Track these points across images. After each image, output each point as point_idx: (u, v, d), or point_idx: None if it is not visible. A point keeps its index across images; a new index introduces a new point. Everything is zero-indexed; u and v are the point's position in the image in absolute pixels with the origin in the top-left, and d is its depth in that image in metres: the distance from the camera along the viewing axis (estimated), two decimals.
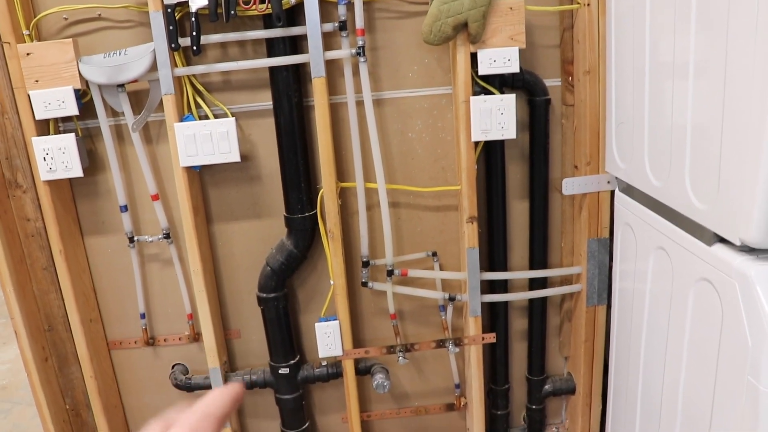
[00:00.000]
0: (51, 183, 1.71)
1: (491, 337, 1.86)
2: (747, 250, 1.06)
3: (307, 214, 1.78)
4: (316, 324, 1.83)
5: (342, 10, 1.60)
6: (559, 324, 2.03)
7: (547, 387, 2.04)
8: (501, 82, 1.71)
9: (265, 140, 1.79)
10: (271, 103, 1.72)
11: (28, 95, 1.62)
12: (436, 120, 1.79)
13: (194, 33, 1.55)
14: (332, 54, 1.64)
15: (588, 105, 1.69)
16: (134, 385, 2.02)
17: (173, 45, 1.59)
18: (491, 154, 1.79)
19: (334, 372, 1.93)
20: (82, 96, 1.68)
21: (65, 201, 1.79)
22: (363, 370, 1.95)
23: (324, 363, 1.94)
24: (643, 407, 1.51)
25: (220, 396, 0.46)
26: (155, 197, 1.78)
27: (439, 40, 1.58)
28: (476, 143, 1.72)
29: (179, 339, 1.95)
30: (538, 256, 1.90)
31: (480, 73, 1.63)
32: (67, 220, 1.79)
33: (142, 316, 1.92)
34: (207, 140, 1.65)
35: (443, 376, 2.02)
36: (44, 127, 1.70)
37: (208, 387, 1.88)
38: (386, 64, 1.74)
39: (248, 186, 1.83)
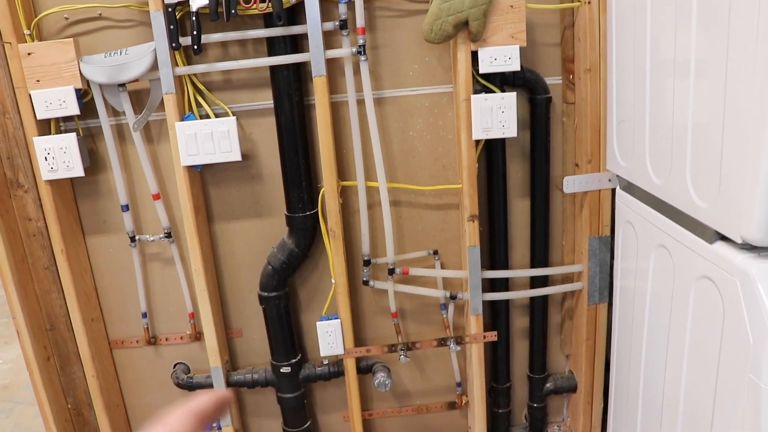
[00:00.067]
0: (52, 182, 1.71)
1: (492, 336, 1.87)
2: (748, 247, 1.06)
3: (308, 212, 1.78)
4: (318, 323, 1.83)
5: (342, 8, 1.60)
6: (560, 322, 2.03)
7: (548, 385, 2.04)
8: (502, 81, 1.71)
9: (266, 139, 1.79)
10: (272, 102, 1.72)
11: (30, 95, 1.62)
12: (437, 118, 1.79)
13: (195, 32, 1.55)
14: (333, 53, 1.64)
15: (589, 103, 1.69)
16: (136, 385, 2.02)
17: (174, 44, 1.59)
18: (492, 152, 1.79)
19: (335, 371, 1.93)
20: (83, 95, 1.69)
21: (67, 200, 1.79)
22: (364, 369, 1.95)
23: (325, 362, 1.94)
24: (645, 405, 1.51)
25: (207, 398, 0.46)
26: (156, 196, 1.78)
27: (439, 39, 1.58)
28: (477, 142, 1.72)
29: (181, 338, 1.95)
30: (539, 255, 1.90)
31: (481, 71, 1.63)
32: (69, 219, 1.79)
33: (144, 315, 1.92)
34: (208, 139, 1.65)
35: (445, 374, 2.03)
36: (45, 127, 1.70)
37: (210, 386, 1.88)
38: (387, 63, 1.74)
39: (249, 185, 1.83)
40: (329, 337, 1.84)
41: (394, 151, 1.81)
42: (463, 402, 2.00)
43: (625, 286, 1.59)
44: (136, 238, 1.83)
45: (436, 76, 1.76)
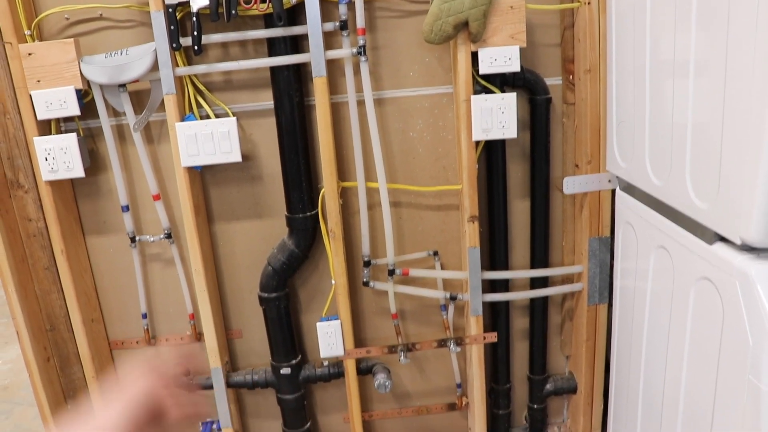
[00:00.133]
0: (53, 183, 1.71)
1: (492, 337, 1.87)
2: (747, 249, 1.06)
3: (308, 213, 1.78)
4: (318, 323, 1.83)
5: (343, 9, 1.60)
6: (560, 323, 2.03)
7: (548, 386, 2.04)
8: (502, 81, 1.71)
9: (267, 140, 1.79)
10: (273, 102, 1.73)
11: (30, 95, 1.62)
12: (437, 119, 1.79)
13: (195, 33, 1.55)
14: (333, 53, 1.64)
15: (589, 104, 1.69)
16: None
17: (174, 45, 1.59)
18: (492, 153, 1.79)
19: (335, 372, 1.93)
20: (84, 96, 1.69)
21: (67, 201, 1.79)
22: (364, 370, 1.96)
23: (325, 363, 1.94)
24: (645, 406, 1.51)
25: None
26: (156, 197, 1.79)
27: (439, 39, 1.58)
28: (477, 142, 1.72)
29: (181, 339, 1.95)
30: (539, 255, 1.90)
31: (481, 72, 1.63)
32: (69, 220, 1.79)
33: (144, 315, 1.92)
34: (208, 140, 1.65)
35: (445, 375, 2.02)
36: (46, 127, 1.70)
37: (210, 387, 1.88)
38: (387, 64, 1.74)
39: (249, 186, 1.83)
40: (329, 338, 1.84)
41: (394, 151, 1.81)
42: (463, 403, 2.00)
43: (625, 286, 1.59)
44: (137, 238, 1.83)
45: (436, 77, 1.76)
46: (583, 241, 1.81)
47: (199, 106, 1.72)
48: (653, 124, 1.34)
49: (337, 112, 1.76)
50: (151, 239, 1.83)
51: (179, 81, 1.67)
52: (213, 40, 1.64)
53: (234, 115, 1.73)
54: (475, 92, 1.67)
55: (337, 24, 1.62)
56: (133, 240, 1.82)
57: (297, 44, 1.69)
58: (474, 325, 1.83)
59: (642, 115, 1.38)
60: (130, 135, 1.76)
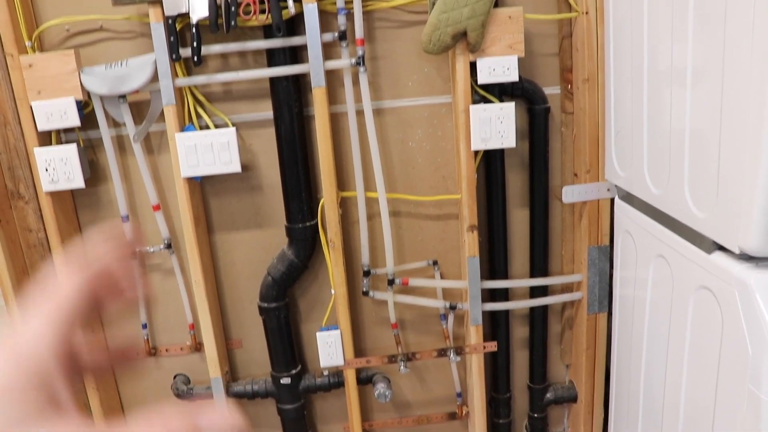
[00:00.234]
0: (53, 194, 1.71)
1: (492, 346, 1.86)
2: (746, 258, 1.06)
3: (308, 223, 1.79)
4: (318, 333, 1.83)
5: (342, 20, 1.61)
6: (560, 332, 2.03)
7: (548, 395, 2.04)
8: (500, 91, 1.72)
9: (266, 150, 1.79)
10: (272, 113, 1.73)
11: (31, 106, 1.63)
12: (436, 129, 1.79)
13: (195, 44, 1.56)
14: (332, 64, 1.64)
15: (587, 113, 1.69)
16: (136, 396, 2.02)
17: (174, 56, 1.60)
18: (491, 162, 1.79)
19: (335, 381, 1.93)
20: (84, 107, 1.69)
21: (67, 211, 1.79)
22: (364, 380, 1.95)
23: (325, 372, 1.94)
24: (645, 414, 1.50)
25: (218, 417, 0.33)
26: (156, 207, 1.79)
27: (438, 50, 1.59)
28: (476, 152, 1.72)
29: (181, 349, 1.95)
30: (539, 264, 1.90)
31: (479, 81, 1.64)
32: (69, 230, 1.79)
33: (144, 326, 1.92)
34: (208, 150, 1.66)
35: (445, 385, 2.02)
36: (46, 138, 1.71)
37: (210, 397, 1.88)
38: (386, 74, 1.75)
39: (249, 196, 1.84)
40: (329, 348, 1.84)
41: (393, 161, 1.81)
42: (464, 412, 2.00)
43: (624, 295, 1.59)
44: (136, 249, 1.82)
45: (435, 87, 1.77)
46: (583, 250, 1.82)
47: (198, 116, 1.73)
48: (651, 133, 1.34)
49: (336, 122, 1.76)
50: (151, 250, 1.84)
51: (179, 92, 1.68)
52: (212, 51, 1.65)
53: (233, 126, 1.73)
54: (474, 102, 1.68)
55: (336, 35, 1.63)
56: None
57: (296, 55, 1.69)
58: (474, 335, 1.83)
59: (640, 124, 1.39)
60: (130, 146, 1.76)
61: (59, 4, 1.66)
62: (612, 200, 1.72)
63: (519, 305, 1.91)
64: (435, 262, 1.87)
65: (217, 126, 1.74)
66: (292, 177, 1.75)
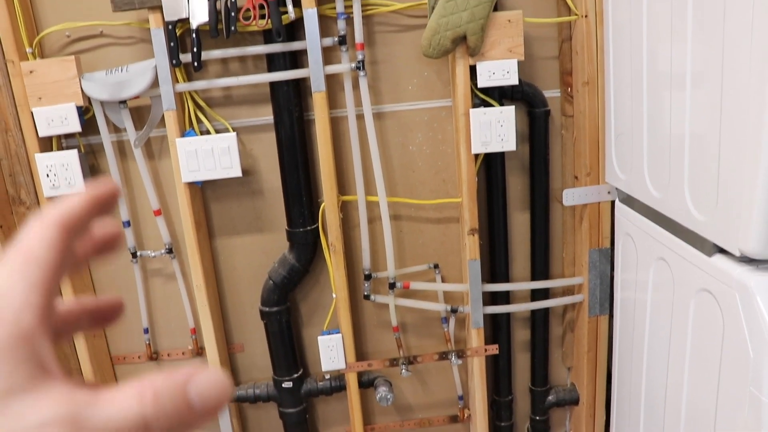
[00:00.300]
0: (54, 199, 1.72)
1: (494, 349, 1.87)
2: (747, 260, 1.06)
3: (308, 227, 1.79)
4: (319, 337, 1.83)
5: (341, 24, 1.61)
6: (561, 334, 2.03)
7: (550, 398, 2.04)
8: (500, 94, 1.72)
9: (267, 155, 1.80)
10: (272, 117, 1.73)
11: (32, 112, 1.63)
12: (436, 132, 1.80)
13: (195, 49, 1.56)
14: (332, 68, 1.65)
15: (587, 116, 1.69)
16: None
17: (174, 61, 1.60)
18: (491, 165, 1.79)
19: (337, 385, 1.93)
20: (85, 112, 1.70)
21: None
22: (366, 383, 1.95)
23: (327, 376, 1.94)
24: (647, 417, 1.50)
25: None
26: (157, 212, 1.79)
27: (438, 54, 1.59)
28: (476, 155, 1.72)
29: (182, 353, 1.95)
30: (540, 267, 1.90)
31: (479, 85, 1.64)
32: None
33: (146, 330, 1.92)
34: (208, 155, 1.66)
35: (446, 388, 2.02)
36: (47, 144, 1.71)
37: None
38: (386, 78, 1.75)
39: (250, 200, 1.84)
40: (331, 352, 1.84)
41: (393, 165, 1.81)
42: (465, 415, 2.00)
43: (625, 298, 1.59)
44: (138, 253, 1.83)
45: (435, 91, 1.77)
46: (584, 253, 1.82)
47: (199, 121, 1.73)
48: (651, 136, 1.34)
49: (336, 126, 1.76)
50: (153, 254, 1.84)
51: (179, 97, 1.68)
52: (213, 56, 1.65)
53: (234, 131, 1.74)
54: (474, 105, 1.68)
55: (336, 39, 1.63)
56: (134, 255, 1.83)
57: (296, 59, 1.70)
58: (475, 338, 1.83)
59: (640, 126, 1.39)
60: (130, 151, 1.76)
61: (60, 10, 1.66)
62: (612, 203, 1.72)
63: (520, 308, 1.91)
64: (436, 266, 1.87)
65: (217, 131, 1.74)
66: (293, 181, 1.76)
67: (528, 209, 1.87)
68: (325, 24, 1.66)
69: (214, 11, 1.53)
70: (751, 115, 0.97)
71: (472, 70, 1.64)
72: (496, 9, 1.60)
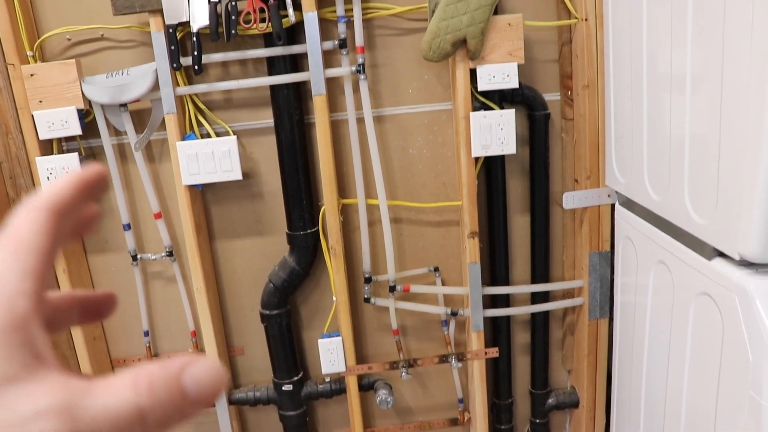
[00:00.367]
0: None
1: (494, 352, 1.87)
2: (746, 264, 1.06)
3: (309, 230, 1.79)
4: (319, 340, 1.83)
5: (342, 27, 1.61)
6: (561, 337, 2.03)
7: (550, 401, 2.03)
8: (500, 98, 1.72)
9: (267, 158, 1.80)
10: (273, 120, 1.74)
11: (32, 115, 1.63)
12: (437, 136, 1.80)
13: (195, 52, 1.57)
14: (332, 72, 1.65)
15: (587, 119, 1.70)
16: None
17: (175, 64, 1.61)
18: (492, 169, 1.80)
19: (337, 388, 1.93)
20: (85, 116, 1.70)
21: None
22: (366, 386, 1.95)
23: (327, 379, 1.94)
24: (647, 420, 1.50)
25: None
26: (158, 215, 1.79)
27: (438, 57, 1.59)
28: (477, 158, 1.73)
29: None
30: (540, 270, 1.90)
31: (479, 88, 1.64)
32: None
33: (146, 333, 1.92)
34: (209, 159, 1.66)
35: (446, 390, 2.02)
36: (48, 147, 1.71)
37: (212, 404, 1.87)
38: (386, 81, 1.75)
39: (250, 203, 1.84)
40: (331, 355, 1.84)
41: (394, 168, 1.82)
42: (466, 418, 2.00)
43: (625, 301, 1.59)
44: (138, 256, 1.83)
45: (435, 94, 1.77)
46: (584, 256, 1.82)
47: (199, 124, 1.74)
48: (651, 139, 1.35)
49: (336, 129, 1.77)
50: (153, 257, 1.84)
51: (180, 100, 1.68)
52: (213, 60, 1.65)
53: (234, 134, 1.74)
54: (474, 109, 1.68)
55: (336, 42, 1.63)
56: (134, 258, 1.83)
57: (296, 63, 1.70)
58: (475, 341, 1.83)
59: (640, 130, 1.39)
60: (131, 154, 1.77)
61: (60, 13, 1.67)
62: (612, 206, 1.73)
63: (520, 311, 1.91)
64: (436, 269, 1.88)
65: (218, 134, 1.75)
66: (293, 184, 1.76)
67: (528, 212, 1.88)
68: (326, 27, 1.66)
69: (214, 15, 1.53)
70: (750, 118, 0.98)
71: (473, 73, 1.64)
72: (496, 12, 1.61)
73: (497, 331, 1.94)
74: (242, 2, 1.54)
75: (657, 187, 1.33)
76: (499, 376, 2.00)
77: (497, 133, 1.66)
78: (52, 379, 0.27)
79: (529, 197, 1.86)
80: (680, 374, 1.28)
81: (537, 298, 1.91)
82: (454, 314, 1.85)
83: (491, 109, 1.70)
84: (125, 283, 1.88)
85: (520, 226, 1.90)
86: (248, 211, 1.85)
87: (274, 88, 1.70)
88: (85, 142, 1.77)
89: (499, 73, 1.62)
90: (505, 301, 1.90)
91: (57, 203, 0.31)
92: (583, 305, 1.87)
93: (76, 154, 1.68)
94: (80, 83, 1.62)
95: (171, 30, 1.58)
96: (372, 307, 1.91)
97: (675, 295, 1.28)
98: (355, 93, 1.69)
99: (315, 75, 1.63)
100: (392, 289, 1.82)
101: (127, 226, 1.80)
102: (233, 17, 1.53)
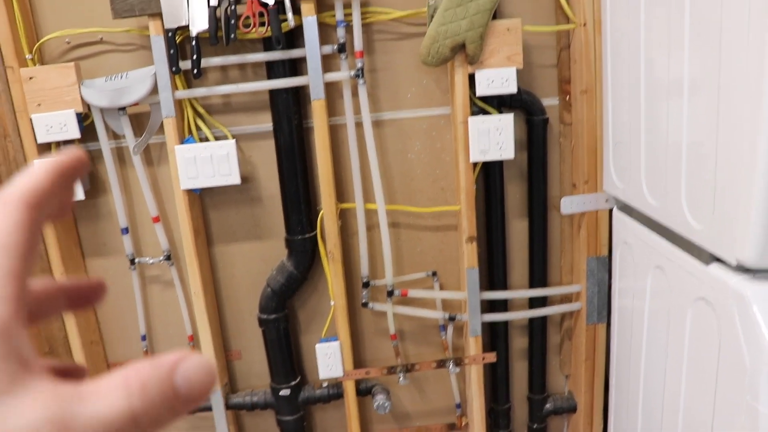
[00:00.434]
0: None
1: (492, 357, 1.86)
2: (743, 270, 1.06)
3: (307, 235, 1.79)
4: (317, 345, 1.83)
5: (341, 32, 1.62)
6: (559, 342, 2.03)
7: (548, 406, 2.03)
8: (499, 102, 1.73)
9: (266, 162, 1.80)
10: (272, 125, 1.74)
11: (31, 119, 1.63)
12: (435, 140, 1.80)
13: (195, 56, 1.57)
14: (331, 76, 1.65)
15: (585, 124, 1.70)
16: None
17: (174, 68, 1.61)
18: (490, 173, 1.80)
19: (335, 393, 1.92)
20: (84, 119, 1.70)
21: (66, 223, 1.79)
22: (364, 391, 1.95)
23: (325, 384, 1.94)
24: (644, 426, 1.50)
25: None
26: (156, 219, 1.79)
27: (437, 62, 1.59)
28: (475, 163, 1.73)
29: None
30: (538, 275, 1.90)
31: (478, 93, 1.64)
32: (69, 242, 1.80)
33: (143, 337, 1.92)
34: (207, 162, 1.66)
35: (444, 395, 2.02)
36: (46, 150, 1.71)
37: (209, 408, 1.87)
38: (385, 86, 1.76)
39: (249, 208, 1.84)
40: (328, 360, 1.84)
41: (392, 173, 1.82)
42: (463, 423, 1.99)
43: (623, 306, 1.59)
44: (136, 260, 1.83)
45: (433, 99, 1.77)
46: (581, 261, 1.82)
47: (198, 128, 1.74)
48: (649, 145, 1.35)
49: (335, 134, 1.77)
50: (151, 261, 1.84)
51: (178, 104, 1.68)
52: (212, 64, 1.66)
53: (233, 138, 1.74)
54: (473, 113, 1.68)
55: (336, 47, 1.64)
56: (132, 262, 1.83)
57: (296, 67, 1.70)
58: (473, 346, 1.83)
59: (637, 135, 1.39)
60: (129, 158, 1.77)
61: (60, 16, 1.67)
62: (610, 211, 1.73)
63: (518, 316, 1.91)
64: (434, 273, 1.88)
65: (216, 138, 1.75)
66: (292, 189, 1.76)
67: (526, 217, 1.88)
68: (325, 32, 1.67)
69: (214, 19, 1.53)
70: (747, 124, 0.98)
71: (471, 78, 1.65)
72: (495, 17, 1.61)
73: (495, 336, 1.94)
74: (242, 6, 1.54)
75: (655, 192, 1.33)
76: (496, 380, 2.00)
77: (495, 137, 1.66)
78: (42, 388, 0.26)
79: (527, 202, 1.86)
80: (677, 379, 1.28)
81: (535, 302, 1.91)
82: (452, 319, 1.85)
83: (490, 113, 1.70)
84: (123, 286, 1.88)
85: (518, 231, 1.90)
86: (246, 215, 1.85)
87: (273, 93, 1.70)
88: (83, 145, 1.76)
89: (498, 78, 1.63)
90: (503, 305, 1.90)
91: (33, 195, 0.29)
92: (580, 310, 1.87)
93: None
94: (79, 86, 1.63)
95: (170, 34, 1.58)
96: (370, 311, 1.91)
97: (672, 300, 1.28)
98: (354, 97, 1.69)
99: (314, 79, 1.63)
100: (390, 293, 1.81)
101: (125, 230, 1.80)
102: (233, 21, 1.53)
